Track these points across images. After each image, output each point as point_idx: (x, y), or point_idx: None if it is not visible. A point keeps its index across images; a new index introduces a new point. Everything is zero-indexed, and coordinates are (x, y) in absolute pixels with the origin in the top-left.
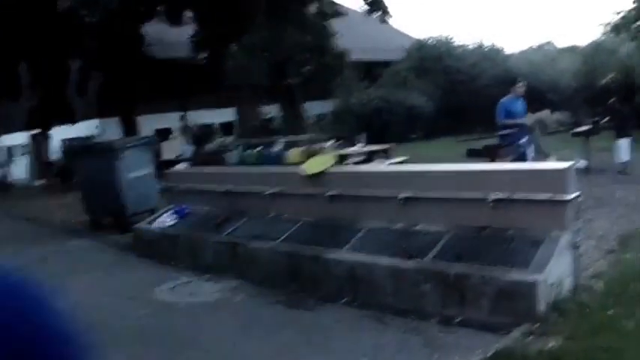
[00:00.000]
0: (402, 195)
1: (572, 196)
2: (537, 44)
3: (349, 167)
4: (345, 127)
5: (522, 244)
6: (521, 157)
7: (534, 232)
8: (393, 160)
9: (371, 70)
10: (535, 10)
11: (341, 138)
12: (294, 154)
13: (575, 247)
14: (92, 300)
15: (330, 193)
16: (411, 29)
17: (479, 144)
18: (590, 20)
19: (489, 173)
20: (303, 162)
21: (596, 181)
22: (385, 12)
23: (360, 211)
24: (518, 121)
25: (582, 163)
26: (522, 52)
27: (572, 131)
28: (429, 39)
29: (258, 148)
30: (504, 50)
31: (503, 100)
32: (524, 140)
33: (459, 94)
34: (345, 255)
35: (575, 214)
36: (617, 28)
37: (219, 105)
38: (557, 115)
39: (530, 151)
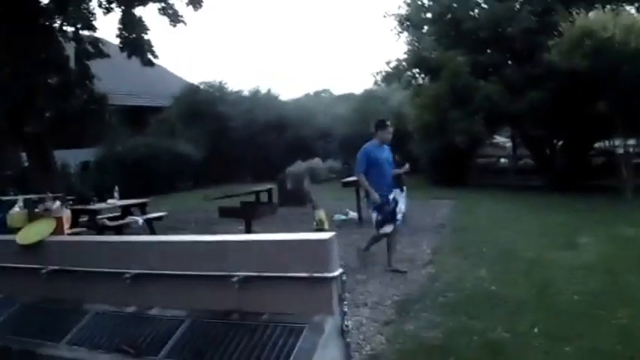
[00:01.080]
0: (132, 271)
1: (337, 272)
2: (314, 91)
3: (71, 236)
4: (109, 177)
5: (279, 333)
6: (390, 216)
7: (293, 317)
8: (150, 216)
9: (142, 116)
10: (316, 58)
11: (89, 193)
12: (15, 217)
13: (344, 332)
14: None
15: (50, 267)
16: (189, 74)
17: (243, 197)
18: (368, 68)
19: (235, 244)
20: (23, 227)
21: (369, 235)
22: (144, 53)
23: (86, 291)
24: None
25: (354, 215)
26: (297, 100)
27: (342, 180)
28: (200, 84)
29: None
30: (280, 97)
31: (367, 146)
32: (392, 196)
33: (232, 141)
34: (62, 350)
35: (343, 293)
36: (388, 78)
37: None
38: (330, 163)
39: (401, 209)
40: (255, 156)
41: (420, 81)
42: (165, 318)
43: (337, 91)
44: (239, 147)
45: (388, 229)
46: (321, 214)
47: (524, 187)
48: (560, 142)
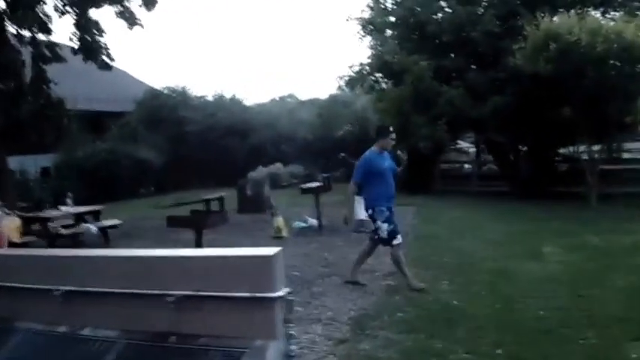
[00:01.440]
0: (63, 288)
1: (282, 292)
2: (279, 96)
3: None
4: (69, 183)
5: (218, 358)
6: (390, 234)
7: (233, 341)
8: (104, 224)
9: (104, 121)
10: (283, 63)
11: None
12: None
13: (289, 357)
14: None
15: None
16: (154, 79)
17: (195, 205)
18: (335, 73)
19: (171, 260)
20: None
21: (329, 244)
22: (100, 57)
23: (18, 308)
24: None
25: (314, 223)
26: (261, 105)
27: (301, 186)
28: (164, 88)
29: None
30: (244, 102)
31: (367, 155)
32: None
33: (195, 146)
34: None
35: (289, 314)
36: (351, 82)
37: None
38: (291, 168)
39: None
40: (219, 161)
41: (384, 85)
42: (98, 339)
43: (303, 96)
44: (202, 152)
45: (399, 239)
46: (279, 221)
47: (489, 193)
48: (525, 148)
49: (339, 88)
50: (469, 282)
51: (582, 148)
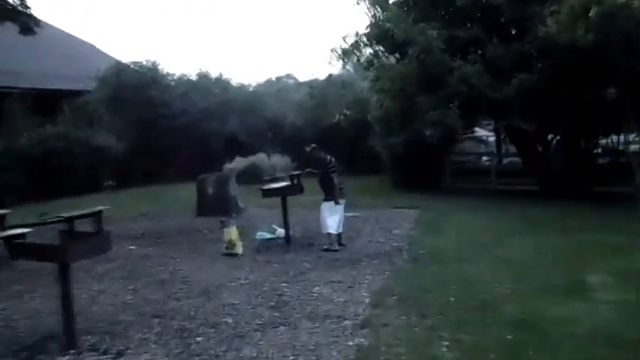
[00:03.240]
0: None
1: None
2: (276, 77)
3: None
4: (11, 175)
5: None
6: None
7: None
8: (6, 233)
9: (59, 101)
10: (282, 40)
11: None
12: None
13: None
14: None
15: None
16: (135, 56)
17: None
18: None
19: None
20: None
21: (293, 266)
22: (20, 19)
23: None
24: None
25: (280, 233)
26: (247, 85)
27: (262, 188)
28: (131, 63)
29: None
30: (232, 81)
31: None
32: None
33: (166, 131)
34: None
35: None
36: (345, 55)
37: None
38: (276, 159)
39: None
40: (195, 150)
41: (385, 60)
42: None
43: (304, 76)
44: (175, 139)
45: None
46: (231, 233)
47: (511, 193)
48: (556, 138)
49: (329, 63)
50: (482, 344)
51: (630, 137)
